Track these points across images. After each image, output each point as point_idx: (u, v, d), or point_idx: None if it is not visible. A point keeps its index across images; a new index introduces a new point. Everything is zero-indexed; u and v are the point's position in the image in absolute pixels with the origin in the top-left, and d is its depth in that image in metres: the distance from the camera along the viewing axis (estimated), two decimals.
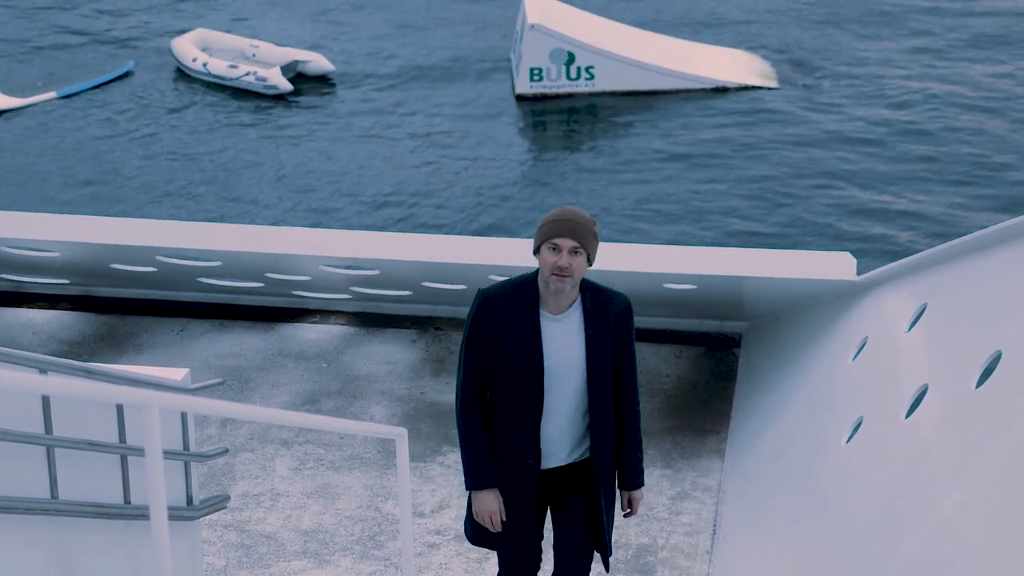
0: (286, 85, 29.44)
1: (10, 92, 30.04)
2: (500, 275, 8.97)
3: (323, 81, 30.48)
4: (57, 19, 35.16)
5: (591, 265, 6.02)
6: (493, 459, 6.20)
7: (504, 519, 6.27)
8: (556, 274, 5.91)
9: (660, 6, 35.52)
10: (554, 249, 5.92)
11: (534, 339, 6.04)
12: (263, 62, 30.23)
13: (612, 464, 6.33)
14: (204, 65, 30.04)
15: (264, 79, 29.33)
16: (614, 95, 30.19)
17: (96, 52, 33.11)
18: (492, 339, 6.08)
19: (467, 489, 6.29)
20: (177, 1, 35.93)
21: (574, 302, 6.09)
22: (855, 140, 28.29)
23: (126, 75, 31.12)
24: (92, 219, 10.65)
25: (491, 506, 6.24)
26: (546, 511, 6.44)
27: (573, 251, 5.91)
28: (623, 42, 30.87)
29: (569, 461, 6.26)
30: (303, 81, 30.32)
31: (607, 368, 6.12)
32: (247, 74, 29.50)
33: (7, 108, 29.50)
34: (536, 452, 6.18)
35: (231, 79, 29.83)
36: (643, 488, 6.46)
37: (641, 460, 6.39)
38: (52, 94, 29.97)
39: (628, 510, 6.48)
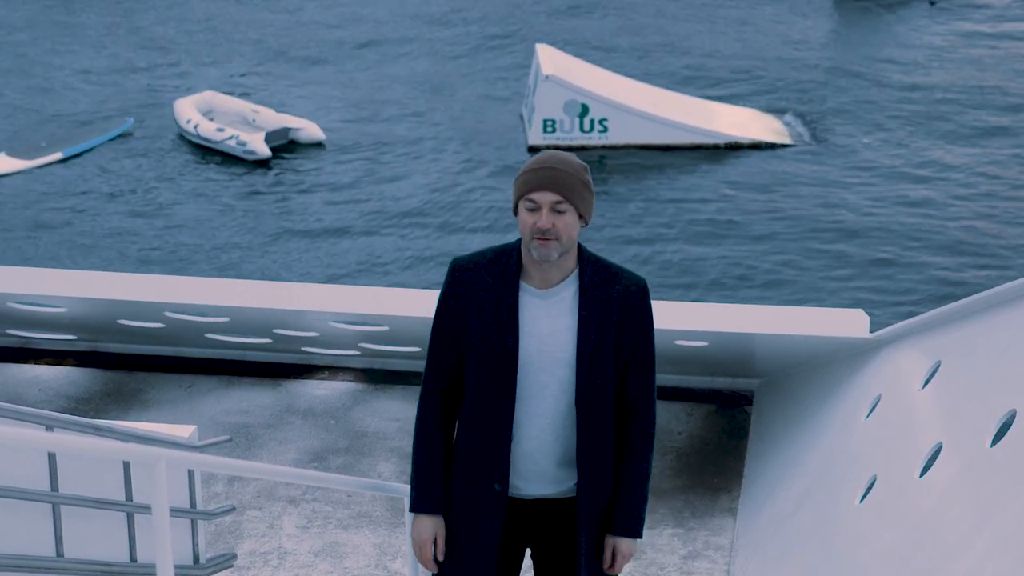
0: (264, 151, 30.12)
1: (16, 154, 30.32)
2: None
3: (318, 147, 30.94)
4: (59, 75, 35.36)
5: (586, 224, 4.82)
6: (443, 476, 4.93)
7: (442, 557, 4.98)
8: (538, 238, 4.70)
9: (673, 64, 35.64)
10: (532, 206, 4.73)
11: (509, 316, 4.76)
12: (260, 127, 30.82)
13: (606, 501, 4.96)
14: (196, 127, 30.90)
15: (244, 144, 30.10)
16: (627, 148, 30.27)
17: (109, 107, 33.30)
18: (461, 317, 4.84)
19: (409, 510, 5.01)
20: (204, 65, 36.15)
21: (568, 275, 4.84)
22: (867, 197, 28.31)
23: (125, 134, 31.51)
24: (99, 275, 10.68)
25: (423, 535, 4.94)
26: (524, 552, 5.11)
27: (556, 207, 4.70)
28: (637, 96, 30.98)
29: (556, 491, 4.92)
30: (296, 147, 30.84)
31: (605, 365, 4.80)
32: (230, 138, 30.27)
33: (15, 171, 29.75)
34: (503, 473, 4.83)
35: (215, 142, 30.64)
36: (637, 541, 5.03)
37: (642, 501, 4.96)
38: (58, 155, 30.32)
39: (609, 564, 5.01)
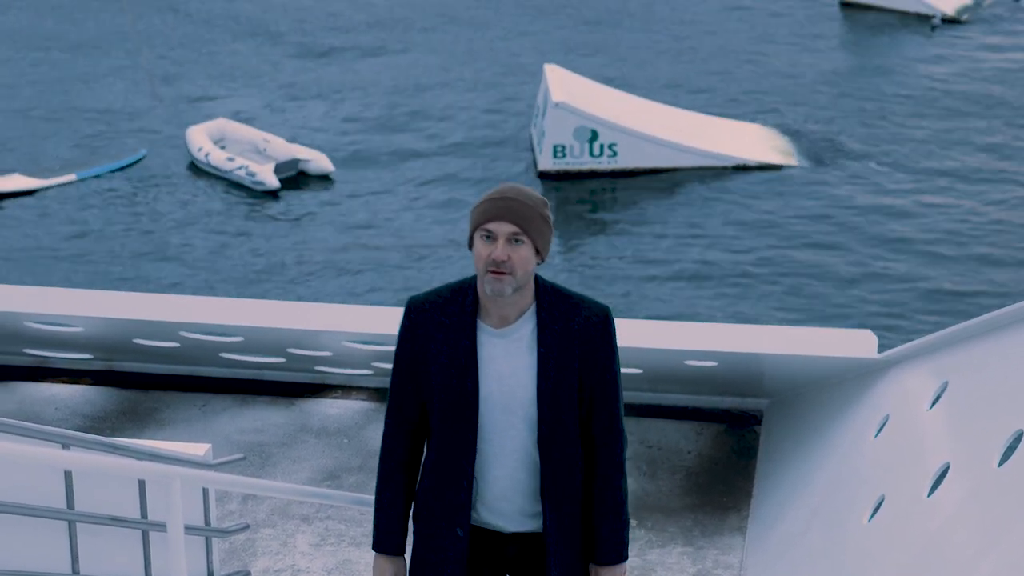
0: (273, 183, 30.13)
1: (30, 174, 30.55)
2: None
3: (326, 179, 30.99)
4: (80, 99, 35.46)
5: (542, 261, 4.61)
6: (404, 517, 4.83)
7: None
8: (492, 271, 4.50)
9: (681, 80, 35.67)
10: (487, 237, 4.52)
11: (466, 358, 4.60)
12: (271, 156, 30.90)
13: (577, 535, 4.80)
14: (207, 156, 31.01)
15: (253, 174, 30.19)
16: (636, 172, 30.31)
17: (126, 129, 33.40)
18: (419, 360, 4.69)
19: (372, 548, 4.89)
20: (228, 90, 36.21)
21: (525, 311, 4.64)
22: (875, 217, 28.31)
23: (138, 162, 31.69)
24: (115, 294, 10.69)
25: (383, 575, 4.85)
26: None
27: (513, 239, 4.50)
28: (645, 119, 31.04)
29: (533, 528, 4.79)
30: (305, 178, 30.91)
31: (569, 401, 4.64)
32: (239, 168, 30.31)
33: (29, 188, 30.01)
34: (465, 517, 4.69)
35: (225, 171, 30.68)
36: (622, 565, 4.86)
37: (622, 527, 4.81)
38: (72, 176, 30.51)
39: None
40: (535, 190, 4.68)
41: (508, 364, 4.61)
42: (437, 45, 38.68)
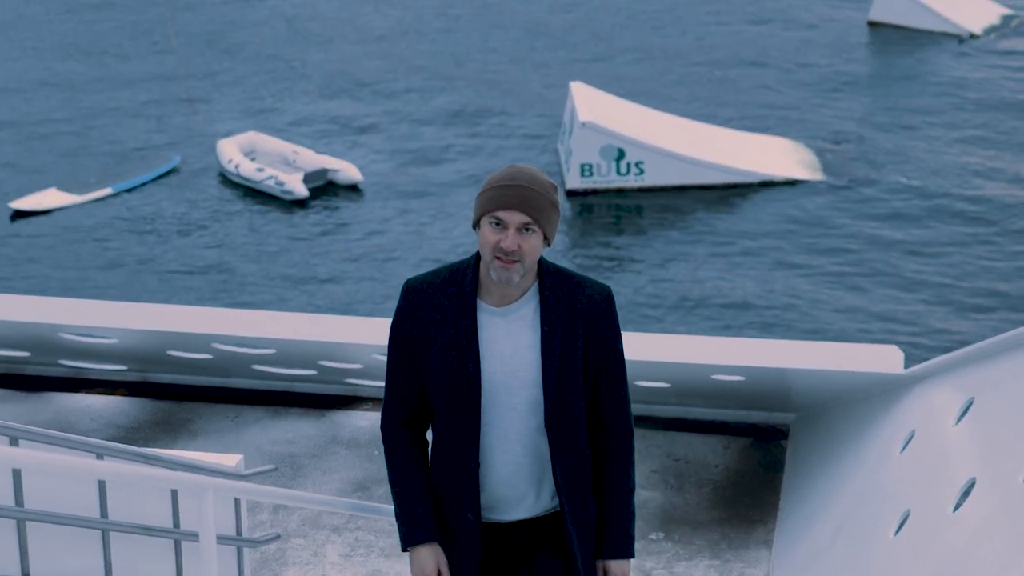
0: (302, 192, 30.29)
1: (67, 189, 30.64)
2: None
3: (355, 189, 31.06)
4: (111, 111, 35.61)
5: (549, 244, 4.46)
6: (430, 504, 4.57)
7: None
8: (500, 259, 4.35)
9: (707, 95, 35.65)
10: (497, 224, 4.35)
11: (467, 339, 4.41)
12: (300, 167, 31.02)
13: (591, 519, 4.62)
14: (236, 167, 31.16)
15: (282, 184, 30.35)
16: (663, 189, 30.29)
17: (158, 143, 33.55)
18: (418, 342, 4.49)
19: (402, 549, 4.62)
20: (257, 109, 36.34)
21: (527, 290, 4.47)
22: (901, 232, 28.23)
23: (173, 171, 31.80)
24: (150, 306, 10.73)
25: (426, 567, 4.57)
26: None
27: (523, 228, 4.35)
28: (671, 136, 31.02)
29: (535, 512, 4.58)
30: (334, 188, 31.00)
31: (573, 381, 4.45)
32: (269, 178, 30.44)
33: (67, 204, 30.07)
34: (474, 501, 4.50)
35: (255, 182, 30.82)
36: (628, 561, 4.65)
37: (629, 519, 4.60)
38: (108, 190, 30.64)
39: None
40: (543, 172, 4.43)
41: (510, 343, 4.42)
42: (463, 65, 38.76)
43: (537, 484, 4.52)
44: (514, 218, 4.31)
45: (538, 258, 4.42)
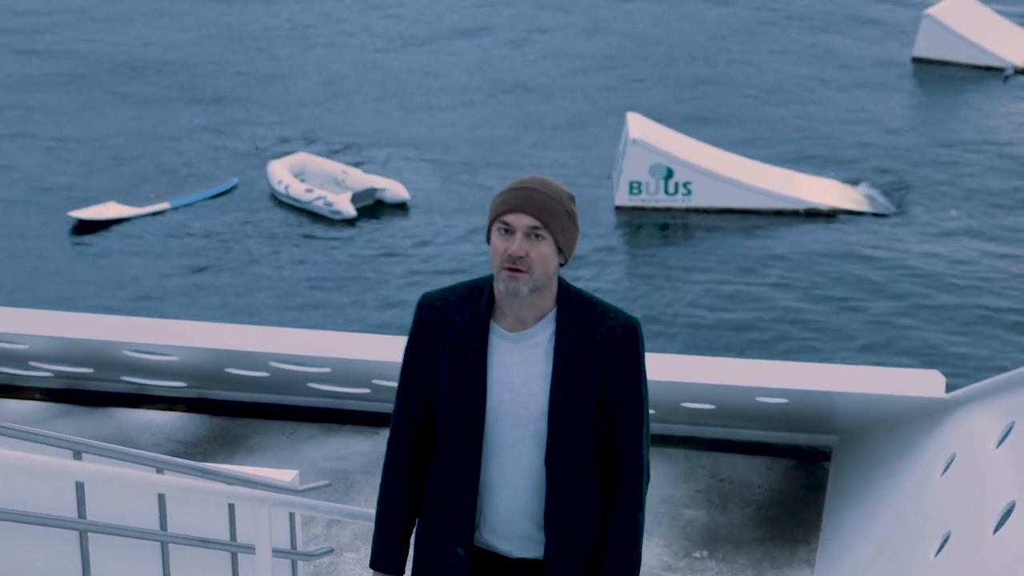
0: (350, 212, 30.49)
1: (126, 202, 30.97)
2: None
3: (402, 207, 31.18)
4: (173, 129, 35.85)
5: (565, 262, 4.03)
6: (405, 533, 4.24)
7: None
8: (508, 268, 3.91)
9: (757, 133, 35.59)
10: (505, 231, 3.94)
11: (475, 362, 4.02)
12: (348, 187, 31.14)
13: (585, 568, 4.15)
14: (286, 188, 31.36)
15: (331, 204, 30.51)
16: (709, 211, 30.24)
17: (217, 162, 33.75)
18: (428, 362, 4.12)
19: (369, 565, 4.30)
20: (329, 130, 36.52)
21: (545, 316, 4.04)
22: (945, 262, 28.07)
23: (231, 190, 32.06)
24: (209, 325, 10.78)
25: None
26: None
27: (532, 233, 3.91)
28: (720, 163, 31.00)
29: (533, 555, 4.17)
30: (382, 206, 31.12)
31: (583, 417, 4.01)
32: (318, 199, 30.65)
33: (124, 217, 30.43)
34: (466, 536, 4.09)
35: (304, 202, 31.02)
36: None
37: (631, 569, 4.14)
38: (165, 205, 30.91)
39: None
40: (562, 183, 4.03)
41: (521, 372, 4.02)
42: (525, 102, 38.83)
43: (538, 525, 4.11)
44: (521, 221, 3.90)
45: (553, 273, 3.97)
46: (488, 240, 4.00)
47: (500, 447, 4.03)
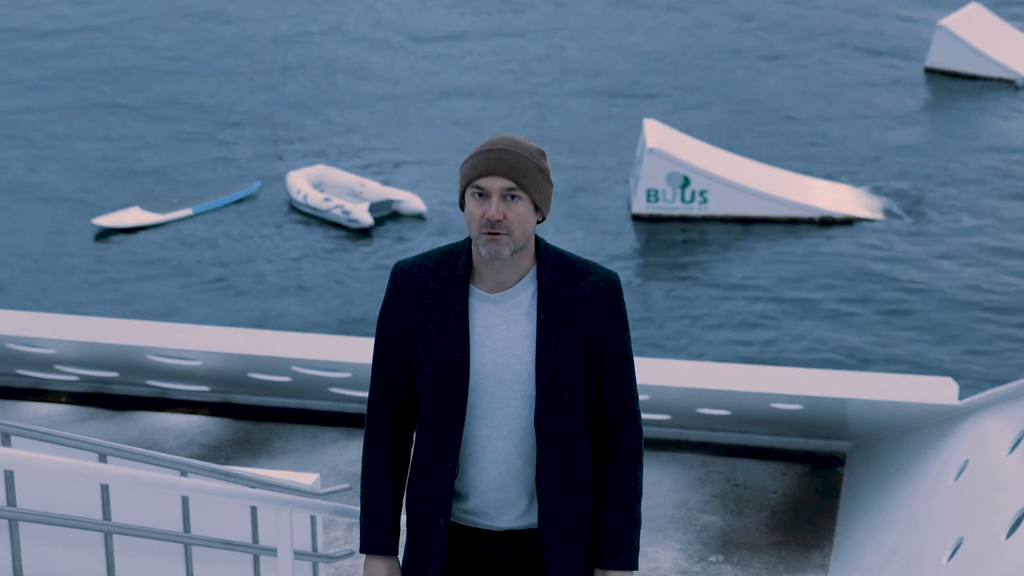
0: (367, 220, 30.57)
1: (150, 208, 31.03)
2: None
3: (419, 218, 31.24)
4: (196, 135, 35.93)
5: (543, 219, 3.90)
6: (395, 512, 4.04)
7: None
8: (488, 232, 3.77)
9: (771, 142, 35.57)
10: (479, 195, 3.80)
11: (456, 326, 3.87)
12: (366, 198, 31.28)
13: (580, 535, 3.99)
14: (304, 197, 31.50)
15: (348, 212, 30.61)
16: (725, 219, 30.24)
17: (240, 170, 33.82)
18: (406, 330, 3.95)
19: (359, 551, 4.20)
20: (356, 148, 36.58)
21: (525, 275, 3.90)
22: (956, 268, 28.01)
23: (251, 196, 32.13)
24: (232, 330, 10.81)
25: None
26: None
27: (508, 195, 3.77)
28: (736, 170, 31.02)
29: (526, 524, 3.99)
30: (399, 218, 31.18)
31: (572, 375, 3.88)
32: (336, 207, 30.72)
33: (148, 223, 30.48)
34: (445, 504, 3.93)
35: (322, 211, 31.12)
36: (631, 574, 4.15)
37: (633, 526, 4.00)
38: (189, 211, 30.99)
39: None
40: (530, 139, 3.93)
41: (504, 333, 3.87)
42: (540, 104, 38.86)
43: (523, 493, 3.94)
44: (496, 184, 3.75)
45: (531, 232, 3.84)
46: (461, 206, 3.88)
47: (486, 411, 3.88)
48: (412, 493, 3.97)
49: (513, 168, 3.74)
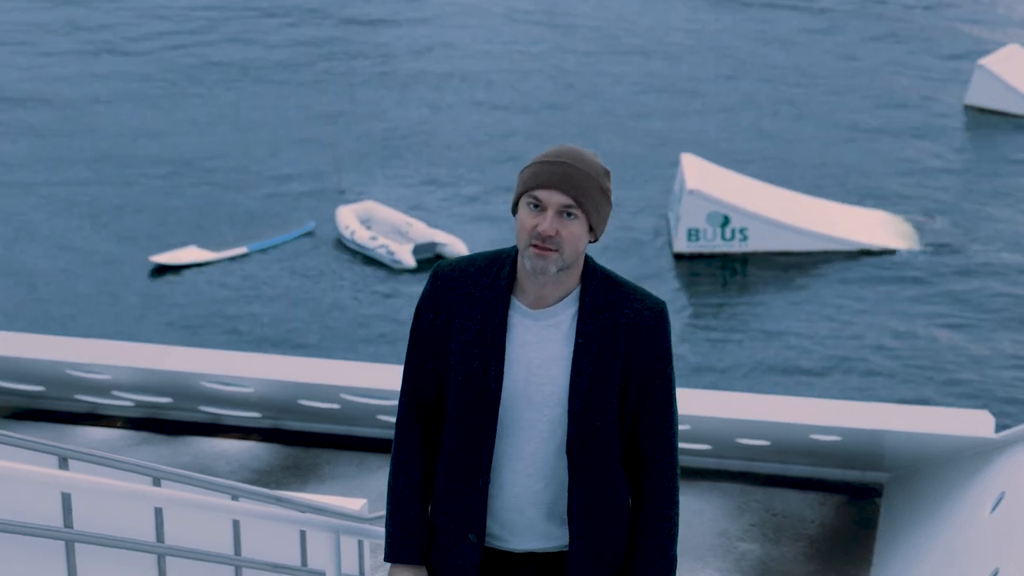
0: (409, 261, 30.74)
1: (206, 247, 31.25)
2: None
3: None
4: (257, 174, 36.13)
5: (595, 239, 3.63)
6: (423, 520, 3.77)
7: None
8: (536, 245, 3.50)
9: (807, 169, 35.49)
10: (535, 206, 3.52)
11: (493, 338, 3.61)
12: (412, 238, 31.52)
13: (611, 564, 3.73)
14: (352, 234, 31.65)
15: (392, 253, 30.77)
16: (765, 255, 30.18)
17: (289, 208, 33.99)
18: (441, 334, 3.70)
19: (384, 559, 3.80)
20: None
21: (569, 294, 3.63)
22: (993, 301, 27.83)
23: (307, 234, 32.34)
24: (283, 358, 10.84)
25: None
26: None
27: (564, 212, 3.51)
28: (774, 204, 30.97)
29: (549, 546, 3.74)
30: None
31: (607, 404, 3.62)
32: (381, 247, 30.93)
33: (204, 261, 30.67)
34: (479, 521, 3.68)
35: (368, 249, 31.27)
36: None
37: (667, 568, 3.72)
38: (243, 249, 31.16)
39: None
40: (596, 155, 3.60)
41: (540, 352, 3.60)
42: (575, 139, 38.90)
43: (546, 516, 3.68)
44: (553, 198, 3.48)
45: (582, 253, 3.57)
46: (513, 211, 3.61)
47: (511, 431, 3.63)
48: (437, 505, 3.74)
49: (574, 184, 3.49)
